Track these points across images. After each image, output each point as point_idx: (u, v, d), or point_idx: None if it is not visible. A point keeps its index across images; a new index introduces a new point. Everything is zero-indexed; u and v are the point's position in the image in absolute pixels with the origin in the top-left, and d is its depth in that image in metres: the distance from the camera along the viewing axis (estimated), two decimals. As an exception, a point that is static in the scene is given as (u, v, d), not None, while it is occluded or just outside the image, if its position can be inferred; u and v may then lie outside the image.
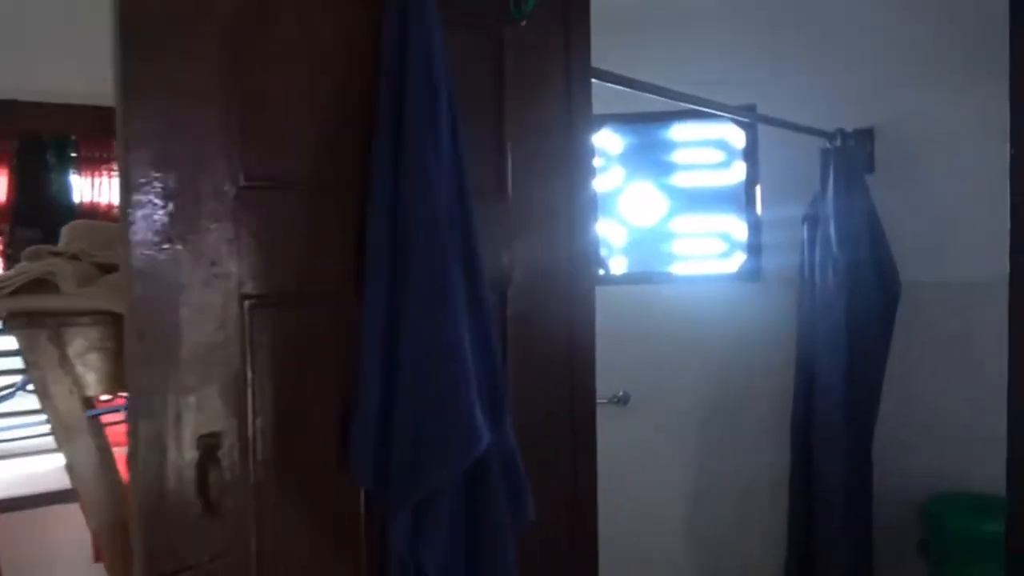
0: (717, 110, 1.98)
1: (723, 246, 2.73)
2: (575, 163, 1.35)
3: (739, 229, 2.70)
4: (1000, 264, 2.41)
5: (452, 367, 0.90)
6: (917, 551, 2.33)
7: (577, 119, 1.33)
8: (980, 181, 2.34)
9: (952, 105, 2.39)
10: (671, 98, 1.78)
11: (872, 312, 2.35)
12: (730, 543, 2.72)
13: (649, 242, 2.77)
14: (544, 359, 1.33)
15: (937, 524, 2.21)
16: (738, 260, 2.70)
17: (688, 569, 2.76)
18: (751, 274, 2.67)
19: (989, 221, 2.45)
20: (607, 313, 2.79)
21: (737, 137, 2.69)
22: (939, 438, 2.41)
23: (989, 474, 2.38)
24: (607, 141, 2.76)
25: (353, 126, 1.00)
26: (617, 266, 2.79)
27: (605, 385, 2.76)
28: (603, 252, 2.78)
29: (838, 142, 2.32)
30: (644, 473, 2.74)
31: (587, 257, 1.39)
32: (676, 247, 2.76)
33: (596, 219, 1.46)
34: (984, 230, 2.35)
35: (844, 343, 2.26)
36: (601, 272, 2.77)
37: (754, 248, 2.67)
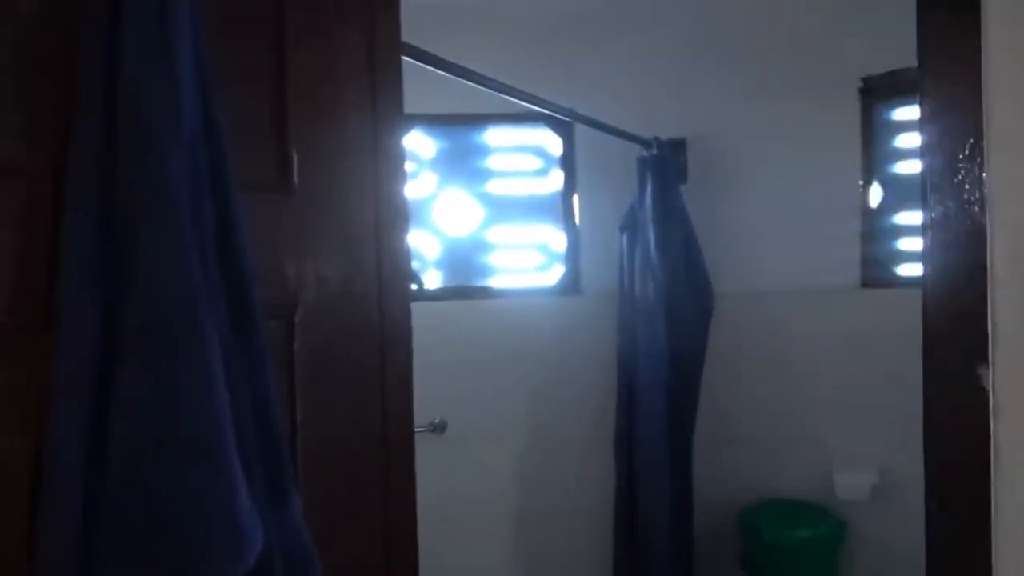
0: (536, 105, 1.81)
1: (541, 258, 2.60)
2: (383, 155, 1.09)
3: (557, 240, 2.58)
4: (807, 274, 2.52)
5: (201, 449, 0.60)
6: (737, 562, 2.31)
7: (385, 98, 1.07)
8: (787, 194, 2.40)
9: (763, 119, 2.43)
10: (490, 87, 1.58)
11: (689, 324, 2.31)
12: (556, 567, 2.57)
13: (465, 254, 2.56)
14: (349, 395, 1.06)
15: (753, 534, 2.20)
16: (557, 272, 2.58)
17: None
18: (570, 287, 2.56)
19: (794, 232, 2.55)
20: (421, 332, 2.54)
21: (554, 144, 2.57)
22: (752, 447, 2.43)
23: (800, 480, 2.45)
24: (418, 144, 2.52)
25: (39, 90, 0.67)
26: (431, 280, 2.55)
27: (420, 412, 2.52)
28: (416, 265, 2.53)
29: (654, 150, 2.26)
30: (466, 503, 2.51)
31: (400, 269, 1.13)
32: (493, 259, 2.58)
33: (409, 225, 1.21)
34: (790, 241, 2.43)
35: (664, 356, 2.20)
36: (414, 287, 2.52)
37: (572, 259, 2.55)
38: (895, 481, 2.29)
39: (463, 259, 2.56)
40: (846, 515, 2.24)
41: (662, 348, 2.20)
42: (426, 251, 2.54)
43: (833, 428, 2.35)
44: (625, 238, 2.33)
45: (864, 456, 2.32)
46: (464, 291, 2.53)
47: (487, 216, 2.55)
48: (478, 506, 2.52)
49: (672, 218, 2.25)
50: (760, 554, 2.20)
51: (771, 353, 2.40)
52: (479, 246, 2.56)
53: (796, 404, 2.38)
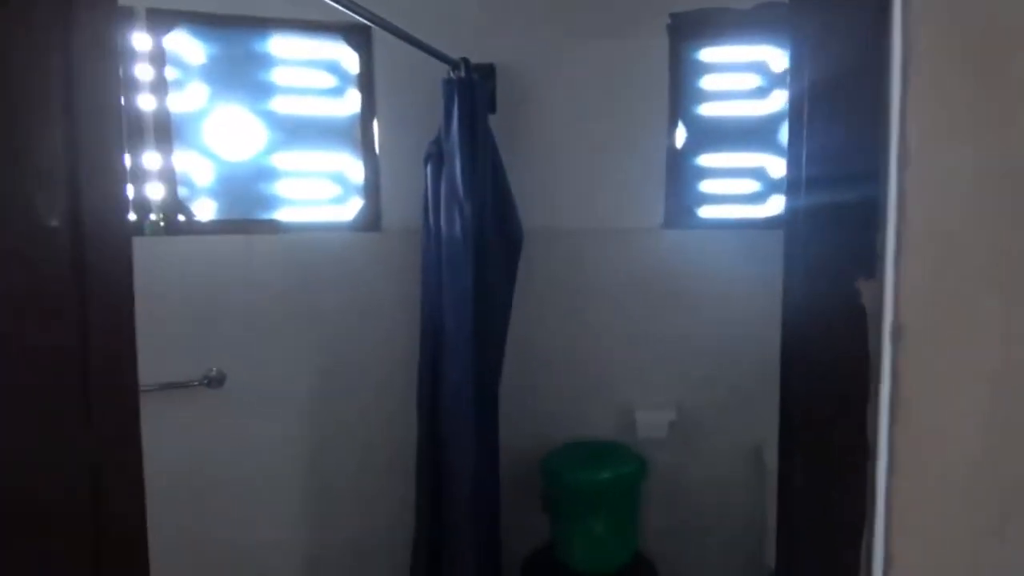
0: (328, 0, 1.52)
1: (336, 189, 2.31)
2: (83, 50, 0.77)
3: (354, 170, 2.30)
4: (612, 213, 2.46)
5: None
6: (541, 506, 2.27)
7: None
8: (594, 130, 2.31)
9: (573, 53, 2.30)
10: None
11: (498, 263, 2.17)
12: (355, 528, 2.38)
13: (245, 181, 2.21)
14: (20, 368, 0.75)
15: (554, 478, 2.15)
16: (354, 206, 2.31)
17: (308, 568, 2.36)
18: (369, 222, 2.31)
19: (601, 170, 2.48)
20: (189, 272, 2.18)
21: (350, 60, 2.27)
22: (556, 389, 2.37)
23: (603, 420, 2.45)
24: (183, 47, 2.11)
25: None
26: (203, 211, 2.18)
27: (192, 363, 2.18)
28: (183, 192, 2.14)
29: (463, 72, 2.05)
30: (248, 465, 2.23)
31: (113, 201, 0.83)
32: (280, 189, 2.25)
33: (123, 144, 0.89)
34: (595, 178, 2.36)
35: (471, 298, 2.04)
36: (181, 218, 2.14)
37: (372, 192, 2.30)
38: (691, 417, 2.34)
39: (243, 188, 2.21)
40: (646, 452, 2.26)
41: (468, 289, 2.04)
42: (197, 176, 2.16)
43: (634, 367, 2.35)
44: (430, 170, 2.11)
45: (663, 394, 2.35)
46: (245, 225, 2.19)
47: (271, 139, 2.21)
48: (264, 469, 2.25)
49: (481, 149, 2.07)
50: (563, 498, 2.17)
51: (574, 293, 2.33)
52: (263, 173, 2.22)
53: (599, 345, 2.35)
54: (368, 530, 2.39)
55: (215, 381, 2.15)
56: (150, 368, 2.12)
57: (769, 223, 2.32)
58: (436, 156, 2.11)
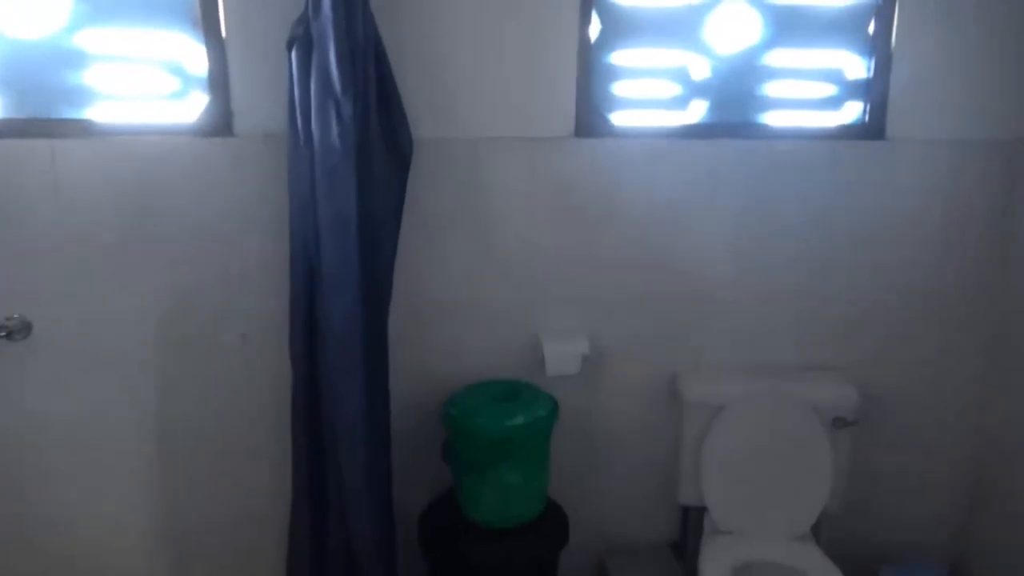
0: None
1: (173, 81, 1.81)
2: None
3: (195, 56, 1.81)
4: (516, 120, 2.11)
5: None
6: (441, 455, 1.99)
7: None
8: (496, 22, 1.93)
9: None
10: None
11: (385, 178, 1.79)
12: (221, 500, 2.01)
13: (44, 66, 1.67)
14: None
15: (458, 426, 1.88)
16: (198, 104, 1.83)
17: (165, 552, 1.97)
18: (218, 125, 1.84)
19: (503, 70, 2.12)
20: None
21: (181, -91, 1.74)
22: (454, 322, 2.06)
23: (507, 357, 2.18)
24: None
25: None
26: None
27: None
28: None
29: (334, -71, 1.60)
30: (73, 437, 1.79)
31: None
32: (91, 78, 1.73)
33: None
34: (497, 80, 2.00)
35: (355, 220, 1.66)
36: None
37: (220, 86, 1.82)
38: (604, 350, 2.12)
39: (41, 74, 1.67)
40: (557, 390, 2.02)
41: (352, 209, 1.66)
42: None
43: (541, 297, 2.08)
44: (295, 57, 1.67)
45: (574, 326, 2.10)
46: (45, 125, 1.67)
47: (76, 13, 1.67)
48: (94, 441, 1.81)
49: (361, 32, 1.65)
50: (469, 447, 1.90)
51: (472, 213, 2.00)
52: (66, 57, 1.69)
53: (501, 272, 2.05)
54: (237, 500, 2.02)
55: (17, 331, 1.66)
56: None
57: (690, 131, 2.08)
58: (303, 39, 1.66)
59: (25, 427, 1.71)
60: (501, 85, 1.95)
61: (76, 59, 1.69)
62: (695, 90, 2.08)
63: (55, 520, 1.80)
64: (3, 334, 1.65)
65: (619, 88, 2.07)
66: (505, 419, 1.86)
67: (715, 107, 2.09)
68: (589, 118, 2.04)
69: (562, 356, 2.04)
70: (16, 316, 1.66)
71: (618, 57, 2.05)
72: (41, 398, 1.73)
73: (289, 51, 1.68)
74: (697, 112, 2.09)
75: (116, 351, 1.80)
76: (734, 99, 2.10)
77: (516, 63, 1.95)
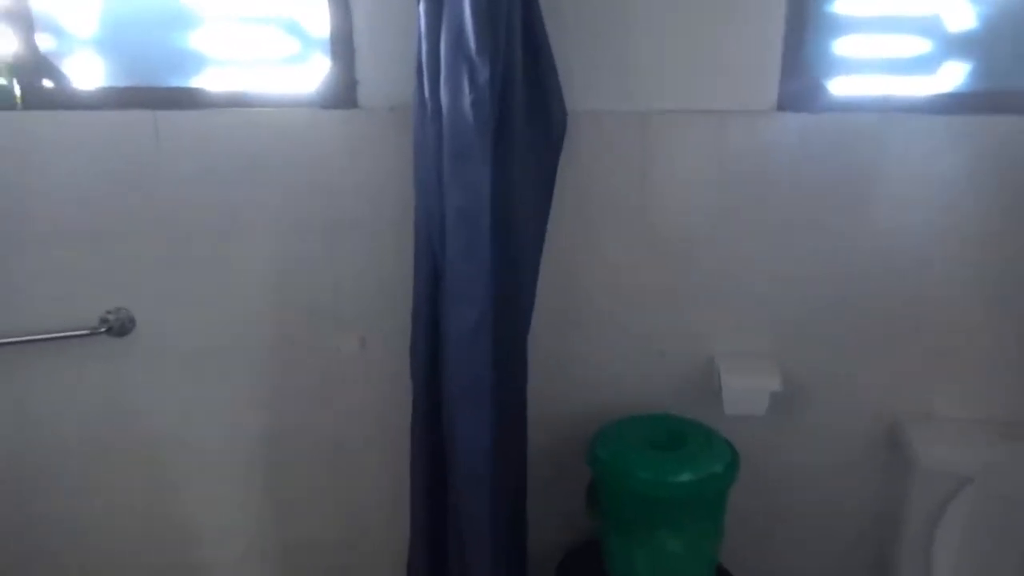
0: None
1: (291, 43, 1.56)
2: None
3: (317, 14, 1.54)
4: (700, 89, 1.64)
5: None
6: (586, 505, 1.62)
7: None
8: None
9: None
10: None
11: (529, 160, 1.44)
12: (330, 520, 1.78)
13: (147, 29, 1.47)
14: None
15: (609, 474, 1.49)
16: (318, 69, 1.57)
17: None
18: (341, 95, 1.56)
19: (686, 28, 1.68)
20: (62, 168, 1.40)
21: None
22: (607, 340, 1.68)
23: (672, 385, 1.76)
24: None
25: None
26: (83, 74, 1.45)
27: (84, 304, 1.49)
28: (48, 44, 1.41)
29: None
30: (173, 443, 1.60)
31: None
32: (201, 41, 1.51)
33: None
34: (678, 41, 1.57)
35: (488, 207, 1.32)
36: (48, 84, 1.41)
37: (344, 49, 1.54)
38: (801, 386, 1.65)
39: (144, 39, 1.47)
40: (736, 435, 1.58)
41: (481, 198, 1.32)
42: (70, 19, 1.42)
43: (722, 314, 1.64)
44: (424, 9, 1.35)
45: (762, 352, 1.64)
46: (149, 95, 1.47)
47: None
48: (198, 449, 1.62)
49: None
50: (621, 500, 1.51)
51: (637, 204, 1.60)
52: (174, 18, 1.47)
53: (673, 281, 1.63)
54: (348, 520, 1.78)
55: (116, 327, 1.49)
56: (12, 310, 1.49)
57: (942, 103, 1.54)
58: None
59: (125, 429, 1.55)
60: (683, 42, 1.53)
61: (184, 20, 1.48)
62: (951, 47, 1.53)
63: (147, 529, 1.63)
64: (103, 329, 1.48)
65: (842, 46, 1.57)
66: (668, 472, 1.46)
67: (981, 70, 1.54)
68: (799, 86, 1.56)
69: (745, 391, 1.59)
70: (119, 312, 1.49)
71: (843, 4, 1.55)
72: (143, 398, 1.56)
73: (419, 4, 1.36)
74: (954, 77, 1.54)
75: (221, 350, 1.59)
76: (1010, 59, 1.53)
77: (703, 14, 1.52)
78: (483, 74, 1.27)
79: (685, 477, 1.44)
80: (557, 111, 1.50)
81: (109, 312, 1.48)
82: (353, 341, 1.66)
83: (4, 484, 1.53)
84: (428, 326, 1.47)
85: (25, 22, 1.36)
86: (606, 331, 1.67)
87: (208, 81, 1.51)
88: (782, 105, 1.56)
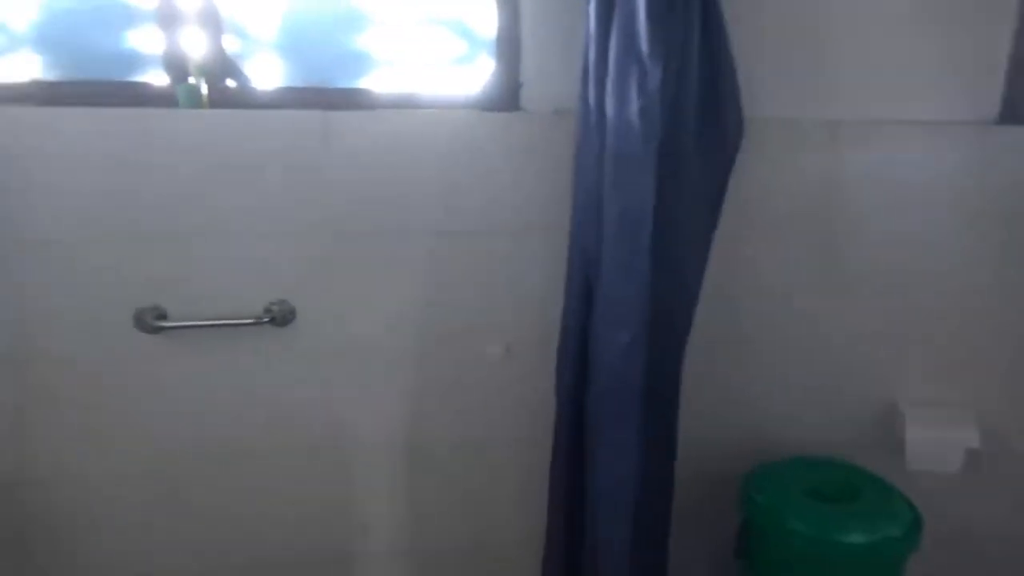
0: None
1: (458, 44, 1.54)
2: None
3: (484, 15, 1.51)
4: (908, 98, 1.41)
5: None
6: (735, 553, 1.49)
7: None
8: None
9: None
10: None
11: (697, 172, 1.32)
12: (463, 531, 1.76)
13: (323, 32, 1.51)
14: None
15: (764, 521, 1.35)
16: (483, 71, 1.53)
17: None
18: (504, 98, 1.52)
19: (897, 29, 1.47)
20: (240, 164, 1.48)
21: None
22: (764, 368, 1.52)
23: (845, 431, 1.57)
24: None
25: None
26: (263, 74, 1.51)
27: (252, 295, 1.38)
28: (234, 46, 1.47)
29: None
30: (316, 432, 1.64)
31: None
32: (370, 43, 1.52)
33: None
34: (885, 43, 1.39)
35: (648, 226, 1.22)
36: (231, 84, 1.48)
37: (509, 50, 1.50)
38: (1002, 443, 1.41)
39: (321, 41, 1.50)
40: (920, 493, 1.37)
41: (643, 210, 1.22)
42: (254, 23, 1.48)
43: (911, 348, 1.44)
44: (594, 7, 1.27)
45: (956, 400, 1.42)
46: (320, 96, 1.50)
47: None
48: (337, 439, 1.65)
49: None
50: (777, 555, 1.36)
51: (817, 222, 1.43)
52: (347, 20, 1.50)
53: (852, 307, 1.45)
54: (485, 528, 1.75)
55: (280, 317, 1.54)
56: (187, 299, 1.51)
57: None
58: (607, -8, 1.25)
59: (277, 415, 1.60)
60: (883, 42, 1.34)
61: (356, 22, 1.49)
62: None
63: (287, 515, 1.68)
64: (267, 319, 1.54)
65: None
66: (836, 530, 1.29)
67: None
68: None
69: (935, 444, 1.39)
70: (282, 303, 1.54)
71: None
72: (298, 387, 1.60)
73: (589, 3, 1.29)
74: None
75: (373, 347, 1.60)
76: None
77: (910, 10, 1.33)
78: (654, 79, 1.18)
79: (856, 538, 1.27)
80: (732, 118, 1.37)
81: (273, 303, 1.54)
82: (499, 347, 1.63)
83: (173, 457, 1.63)
84: (576, 343, 1.41)
85: (215, 25, 1.43)
86: (770, 361, 1.51)
87: (376, 82, 1.52)
88: (1005, 117, 1.34)
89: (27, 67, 1.40)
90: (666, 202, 1.21)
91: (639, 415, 1.28)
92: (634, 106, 1.20)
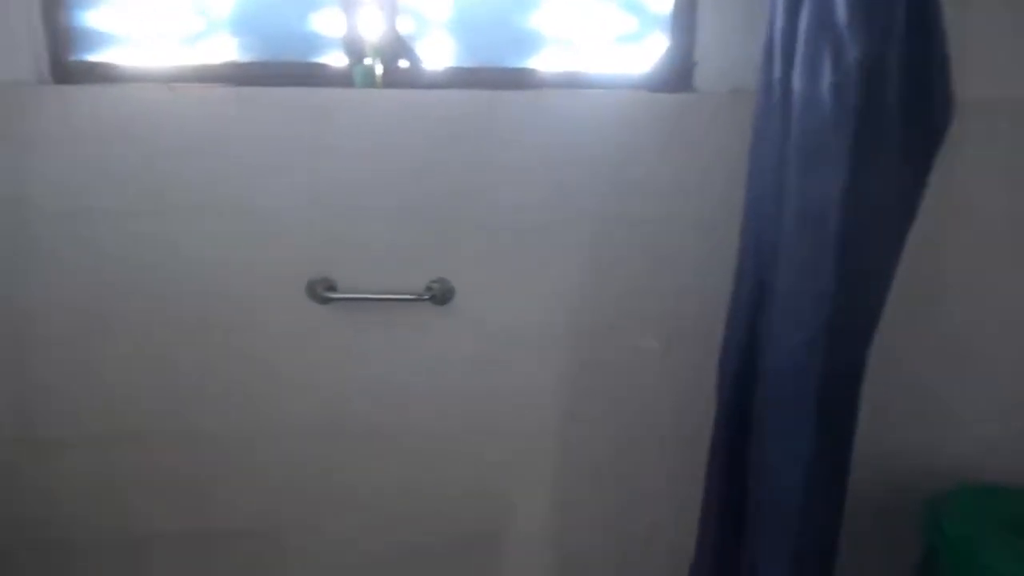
0: None
1: (629, 21, 1.48)
2: None
3: (660, -9, 1.44)
4: None
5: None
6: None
7: None
8: None
9: None
10: None
11: (898, 160, 1.17)
12: (614, 521, 1.71)
13: (493, 13, 1.49)
14: None
15: (952, 551, 1.20)
16: (655, 49, 1.46)
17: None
18: (677, 78, 1.45)
19: None
20: (409, 143, 1.51)
21: None
22: (954, 379, 1.35)
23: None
24: None
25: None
26: (435, 54, 1.52)
27: (413, 272, 1.42)
28: (408, 28, 1.50)
29: None
30: (482, 406, 1.65)
31: None
32: (540, 22, 1.49)
33: None
34: None
35: (837, 220, 1.10)
36: (403, 64, 1.51)
37: (683, 25, 1.42)
38: None
39: (490, 20, 1.49)
40: None
41: (830, 200, 1.11)
42: (428, 5, 1.49)
43: None
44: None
45: None
46: (488, 76, 1.49)
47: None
48: (496, 416, 1.64)
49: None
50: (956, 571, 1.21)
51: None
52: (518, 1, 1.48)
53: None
54: (630, 520, 1.70)
55: (439, 295, 1.57)
56: (354, 272, 1.56)
57: None
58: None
59: (432, 391, 1.63)
60: None
61: (526, 2, 1.47)
62: None
63: (440, 493, 1.70)
64: (427, 296, 1.57)
65: None
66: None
67: None
68: None
69: None
70: (441, 281, 1.56)
71: None
72: (454, 365, 1.62)
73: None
74: None
75: (528, 331, 1.59)
76: None
77: None
78: (852, 52, 1.06)
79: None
80: (940, 99, 1.21)
81: (434, 281, 1.56)
82: (657, 341, 1.56)
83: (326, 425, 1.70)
84: (743, 342, 1.31)
85: (391, 7, 1.46)
86: (973, 372, 1.34)
87: (545, 62, 1.49)
88: None
89: (224, 49, 1.49)
90: (858, 192, 1.09)
91: (812, 424, 1.17)
92: (826, 82, 1.08)
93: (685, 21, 1.41)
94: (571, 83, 1.48)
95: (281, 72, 1.47)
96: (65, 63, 1.43)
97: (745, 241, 1.31)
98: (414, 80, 1.49)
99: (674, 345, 1.54)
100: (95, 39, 1.47)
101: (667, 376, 1.57)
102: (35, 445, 1.55)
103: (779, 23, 1.17)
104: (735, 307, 1.34)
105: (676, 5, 1.41)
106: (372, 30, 1.46)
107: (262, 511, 1.63)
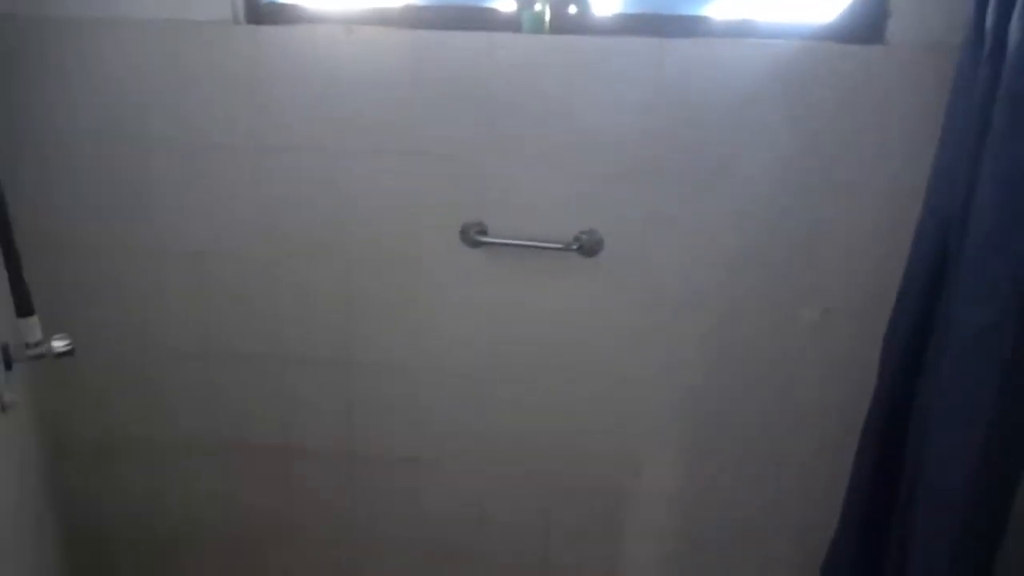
0: None
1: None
2: None
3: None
4: None
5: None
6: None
7: None
8: None
9: None
10: None
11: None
12: (752, 504, 1.67)
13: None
14: None
15: None
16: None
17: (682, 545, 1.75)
18: (867, 28, 1.33)
19: None
20: (572, 90, 1.50)
21: None
22: None
23: None
24: None
25: None
26: (604, 0, 1.49)
27: (564, 222, 1.47)
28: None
29: None
30: (611, 366, 1.64)
31: None
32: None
33: None
34: None
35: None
36: (573, 10, 1.49)
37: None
38: None
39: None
40: None
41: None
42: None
43: None
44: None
45: None
46: (657, 23, 1.44)
47: None
48: (636, 374, 1.63)
49: None
50: None
51: None
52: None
53: None
54: (768, 493, 1.64)
55: (587, 247, 1.56)
56: (506, 218, 1.56)
57: None
58: None
59: (576, 341, 1.63)
60: None
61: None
62: None
63: (571, 440, 1.71)
64: (575, 247, 1.57)
65: None
66: None
67: None
68: None
69: None
70: (593, 231, 1.55)
71: None
72: (598, 317, 1.61)
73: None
74: None
75: (677, 290, 1.55)
76: None
77: None
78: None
79: None
80: None
81: (583, 232, 1.56)
82: (816, 311, 1.48)
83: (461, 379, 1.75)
84: (917, 316, 1.22)
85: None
86: None
87: (717, 8, 1.42)
88: None
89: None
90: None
91: (989, 409, 1.07)
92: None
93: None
94: (746, 32, 1.40)
95: (452, 16, 1.50)
96: (259, 4, 1.53)
97: (927, 208, 1.20)
98: (582, 26, 1.46)
99: (834, 316, 1.46)
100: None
101: (819, 349, 1.49)
102: (219, 359, 1.70)
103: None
104: (909, 280, 1.24)
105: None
106: (543, -25, 1.45)
107: (414, 440, 1.72)
